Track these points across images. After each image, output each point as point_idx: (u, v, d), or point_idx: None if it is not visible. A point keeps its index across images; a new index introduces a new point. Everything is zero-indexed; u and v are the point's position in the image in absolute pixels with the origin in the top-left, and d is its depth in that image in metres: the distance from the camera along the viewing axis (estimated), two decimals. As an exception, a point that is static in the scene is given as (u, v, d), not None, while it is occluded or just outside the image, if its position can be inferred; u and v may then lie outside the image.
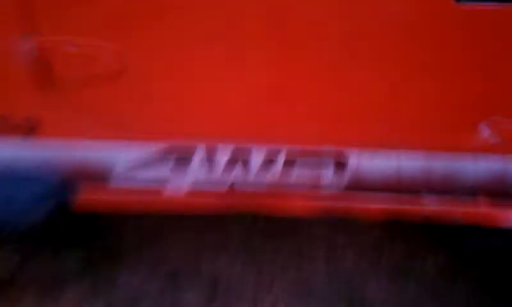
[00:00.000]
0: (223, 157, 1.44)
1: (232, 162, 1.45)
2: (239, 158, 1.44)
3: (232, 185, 1.47)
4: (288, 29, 1.26)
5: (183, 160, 1.45)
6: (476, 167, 1.38)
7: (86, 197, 1.49)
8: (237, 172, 1.46)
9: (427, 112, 1.35)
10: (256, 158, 1.44)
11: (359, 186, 1.44)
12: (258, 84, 1.35)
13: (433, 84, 1.32)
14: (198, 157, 1.44)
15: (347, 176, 1.43)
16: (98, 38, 1.29)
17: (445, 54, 1.28)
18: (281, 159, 1.43)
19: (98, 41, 1.29)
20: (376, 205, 1.46)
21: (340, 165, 1.42)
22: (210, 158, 1.44)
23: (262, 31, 1.28)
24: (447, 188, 1.41)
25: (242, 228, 2.12)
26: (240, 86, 1.36)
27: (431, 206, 1.45)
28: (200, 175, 1.46)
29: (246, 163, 1.45)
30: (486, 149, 1.36)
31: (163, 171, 1.46)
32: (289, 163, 1.44)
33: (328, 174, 1.44)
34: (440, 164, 1.39)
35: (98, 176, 1.46)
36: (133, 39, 1.29)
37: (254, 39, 1.29)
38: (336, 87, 1.35)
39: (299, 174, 1.45)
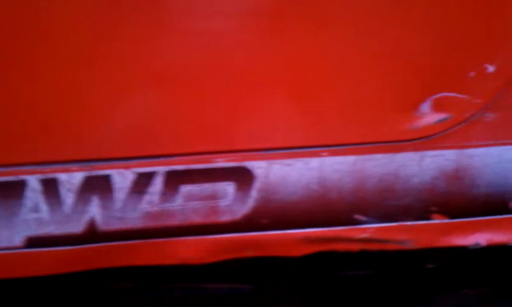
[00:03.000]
0: (70, 186, 0.97)
1: (85, 192, 0.98)
2: (95, 186, 0.98)
3: (89, 226, 1.00)
4: None
5: (8, 198, 0.96)
6: (421, 165, 1.01)
7: None
8: (95, 205, 0.99)
9: (348, 97, 0.98)
10: (121, 184, 0.98)
11: (272, 207, 1.02)
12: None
13: (355, 54, 0.96)
14: (32, 190, 0.96)
15: (254, 193, 1.01)
16: None
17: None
18: (157, 182, 0.99)
19: None
20: (300, 232, 1.05)
21: (243, 180, 1.00)
22: (50, 191, 0.97)
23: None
24: (387, 197, 1.03)
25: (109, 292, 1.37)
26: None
27: (369, 227, 1.05)
28: (37, 218, 0.97)
29: (106, 192, 0.98)
30: (434, 141, 1.00)
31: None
32: (170, 186, 0.99)
33: (226, 195, 1.01)
34: (375, 165, 1.01)
35: None
36: None
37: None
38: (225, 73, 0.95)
39: (185, 199, 1.00)
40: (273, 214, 1.02)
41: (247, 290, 1.36)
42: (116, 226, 1.00)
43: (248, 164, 0.99)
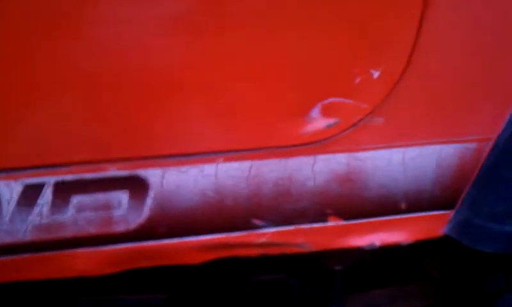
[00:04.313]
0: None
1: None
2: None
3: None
4: None
5: None
6: (314, 169, 1.03)
7: None
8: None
9: (240, 103, 0.99)
10: (9, 196, 0.95)
11: (168, 215, 1.01)
12: None
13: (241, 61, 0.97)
14: None
15: (149, 202, 1.00)
16: None
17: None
18: (47, 193, 0.96)
19: None
20: (197, 239, 1.04)
21: (137, 188, 0.99)
22: None
23: None
24: (283, 202, 1.05)
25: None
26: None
27: (267, 231, 1.06)
28: None
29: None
30: (325, 145, 1.03)
31: None
32: (60, 197, 0.97)
33: (120, 205, 1.00)
34: (270, 170, 1.03)
35: None
36: None
37: None
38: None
39: (77, 210, 0.98)
40: (170, 222, 1.01)
41: (160, 300, 1.35)
42: (4, 239, 0.96)
43: (142, 172, 0.98)
